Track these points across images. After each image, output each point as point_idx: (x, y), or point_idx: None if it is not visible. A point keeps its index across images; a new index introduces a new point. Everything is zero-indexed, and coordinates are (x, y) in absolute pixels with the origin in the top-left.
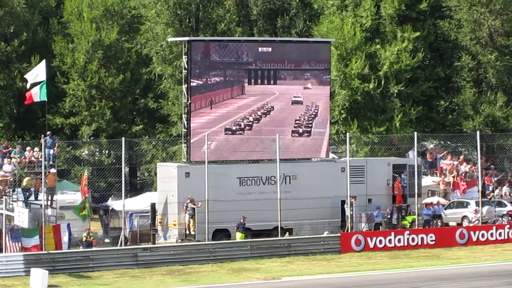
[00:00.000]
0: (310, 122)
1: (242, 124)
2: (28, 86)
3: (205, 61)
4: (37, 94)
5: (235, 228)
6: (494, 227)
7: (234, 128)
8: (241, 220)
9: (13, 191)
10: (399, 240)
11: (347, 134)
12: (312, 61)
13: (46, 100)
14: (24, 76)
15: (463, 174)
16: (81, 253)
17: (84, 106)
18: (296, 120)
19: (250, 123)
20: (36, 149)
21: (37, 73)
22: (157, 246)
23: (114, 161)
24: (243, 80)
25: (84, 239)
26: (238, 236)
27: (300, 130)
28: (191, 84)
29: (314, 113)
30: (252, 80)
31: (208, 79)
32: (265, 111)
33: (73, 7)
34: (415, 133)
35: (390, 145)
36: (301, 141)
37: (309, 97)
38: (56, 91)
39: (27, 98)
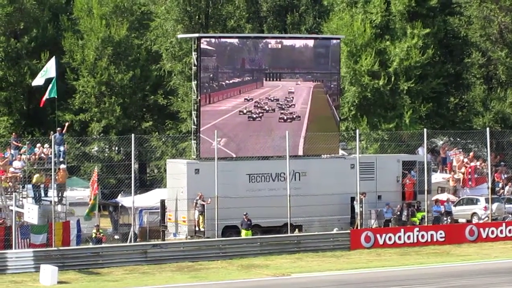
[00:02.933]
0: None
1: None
2: (33, 83)
3: (215, 57)
4: (47, 91)
5: (240, 226)
6: (504, 224)
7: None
8: (244, 218)
9: (23, 187)
10: (408, 237)
11: (357, 130)
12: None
13: (56, 96)
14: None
15: (472, 167)
16: (91, 249)
17: (94, 103)
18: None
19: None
20: (46, 145)
21: (47, 69)
22: (166, 242)
23: (124, 157)
24: (253, 77)
25: (93, 235)
26: (244, 234)
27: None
28: (201, 80)
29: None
30: (262, 77)
31: (218, 75)
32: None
33: (83, 3)
34: (425, 130)
35: (399, 141)
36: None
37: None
38: (66, 88)
39: (42, 101)
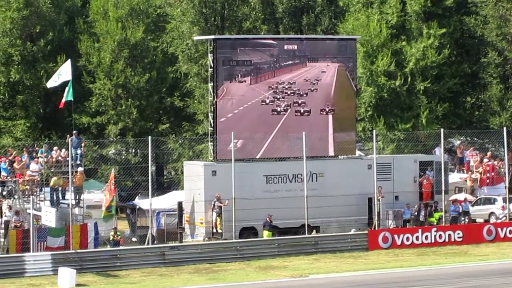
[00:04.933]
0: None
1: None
2: (48, 84)
3: (231, 59)
4: (65, 94)
5: (262, 227)
6: None
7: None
8: (267, 219)
9: (41, 190)
10: (426, 237)
11: (374, 131)
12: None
13: (72, 99)
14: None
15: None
16: (109, 252)
17: (111, 105)
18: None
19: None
20: (63, 149)
21: (61, 72)
22: (184, 244)
23: (141, 160)
24: (269, 77)
25: (111, 238)
26: (265, 234)
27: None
28: (217, 82)
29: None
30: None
31: (234, 77)
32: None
33: (99, 6)
34: (442, 129)
35: (416, 142)
36: None
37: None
38: (82, 91)
39: (61, 103)
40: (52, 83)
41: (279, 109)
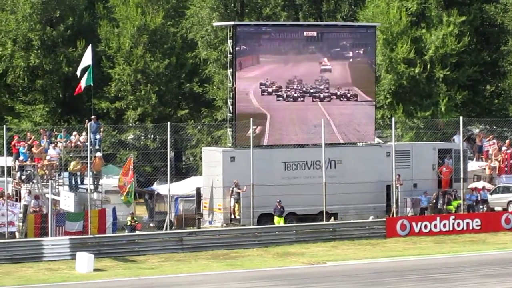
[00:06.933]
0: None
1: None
2: (78, 73)
3: (250, 48)
4: (83, 79)
5: (273, 212)
6: None
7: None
8: (277, 204)
9: (59, 175)
10: (444, 225)
11: (393, 118)
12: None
13: (92, 84)
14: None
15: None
16: (127, 237)
17: (130, 91)
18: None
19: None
20: (83, 134)
21: (84, 58)
22: (202, 230)
23: (160, 145)
24: (288, 64)
25: (128, 223)
26: (276, 221)
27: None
28: (236, 68)
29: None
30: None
31: (253, 63)
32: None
33: None
34: (461, 117)
35: (435, 129)
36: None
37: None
38: (101, 76)
39: (78, 88)
40: (79, 72)
41: (297, 95)
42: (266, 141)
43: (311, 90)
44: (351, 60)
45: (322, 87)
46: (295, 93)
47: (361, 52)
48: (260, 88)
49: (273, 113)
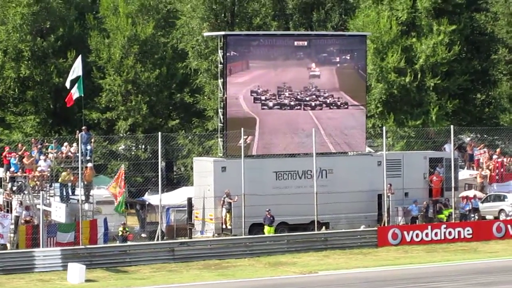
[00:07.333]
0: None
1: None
2: (67, 84)
3: (240, 55)
4: (74, 90)
5: (263, 221)
6: None
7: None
8: (267, 214)
9: (50, 186)
10: (436, 234)
11: (384, 127)
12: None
13: (82, 95)
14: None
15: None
16: (118, 247)
17: (120, 101)
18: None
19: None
20: (74, 145)
21: (74, 69)
22: (193, 240)
23: (151, 155)
24: (279, 73)
25: (119, 233)
26: (266, 230)
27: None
28: (227, 78)
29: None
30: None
31: (243, 72)
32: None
33: (109, 2)
34: (452, 126)
35: (426, 138)
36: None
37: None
38: (92, 86)
39: (68, 100)
40: (68, 83)
41: (288, 104)
42: (255, 151)
43: (303, 98)
44: (338, 65)
45: (311, 94)
46: (285, 100)
47: (348, 57)
48: (252, 95)
49: (262, 117)
